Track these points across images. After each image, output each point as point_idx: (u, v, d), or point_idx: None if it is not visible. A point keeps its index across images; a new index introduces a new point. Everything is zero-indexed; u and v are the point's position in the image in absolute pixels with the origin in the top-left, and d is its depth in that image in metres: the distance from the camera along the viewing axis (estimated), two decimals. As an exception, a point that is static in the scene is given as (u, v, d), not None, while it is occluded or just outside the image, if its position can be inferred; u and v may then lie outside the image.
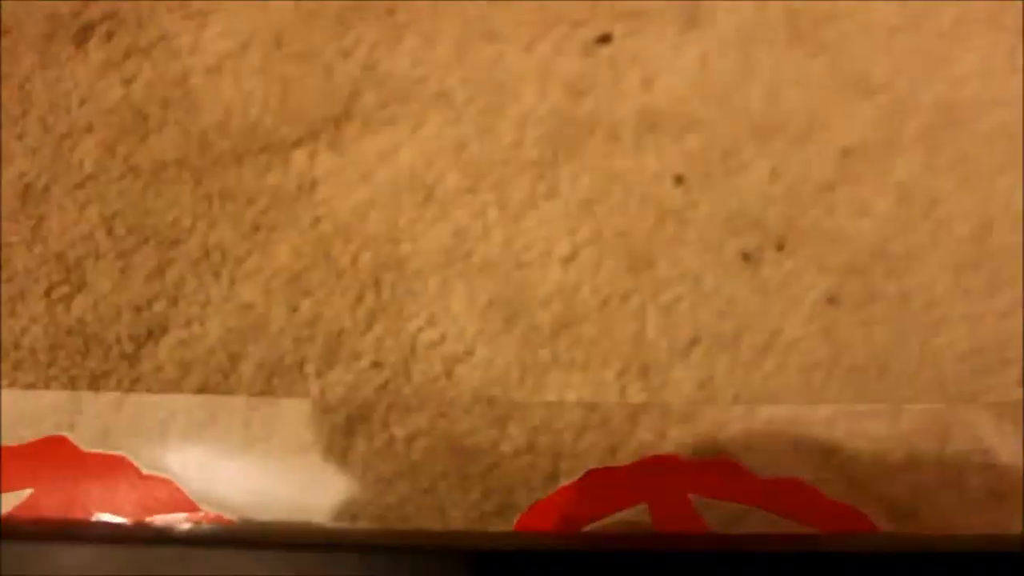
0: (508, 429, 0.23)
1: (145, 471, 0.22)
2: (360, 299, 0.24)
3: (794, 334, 0.23)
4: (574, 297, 0.24)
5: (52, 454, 0.23)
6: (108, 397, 0.23)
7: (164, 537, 0.19)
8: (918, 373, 0.23)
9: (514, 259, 0.24)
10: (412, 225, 0.24)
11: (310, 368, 0.23)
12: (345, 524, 0.22)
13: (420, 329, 0.23)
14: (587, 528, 0.21)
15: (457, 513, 0.22)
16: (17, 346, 0.24)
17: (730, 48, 0.26)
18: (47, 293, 0.24)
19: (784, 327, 0.24)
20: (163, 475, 0.22)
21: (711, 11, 0.26)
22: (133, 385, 0.23)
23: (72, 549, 0.18)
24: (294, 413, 0.23)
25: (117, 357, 0.23)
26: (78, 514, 0.22)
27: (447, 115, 0.25)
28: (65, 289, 0.24)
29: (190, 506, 0.22)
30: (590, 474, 0.22)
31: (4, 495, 0.22)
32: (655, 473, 0.22)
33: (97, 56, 0.26)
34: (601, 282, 0.24)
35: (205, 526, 0.22)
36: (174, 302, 0.24)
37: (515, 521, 0.22)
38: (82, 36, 0.26)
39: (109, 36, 0.26)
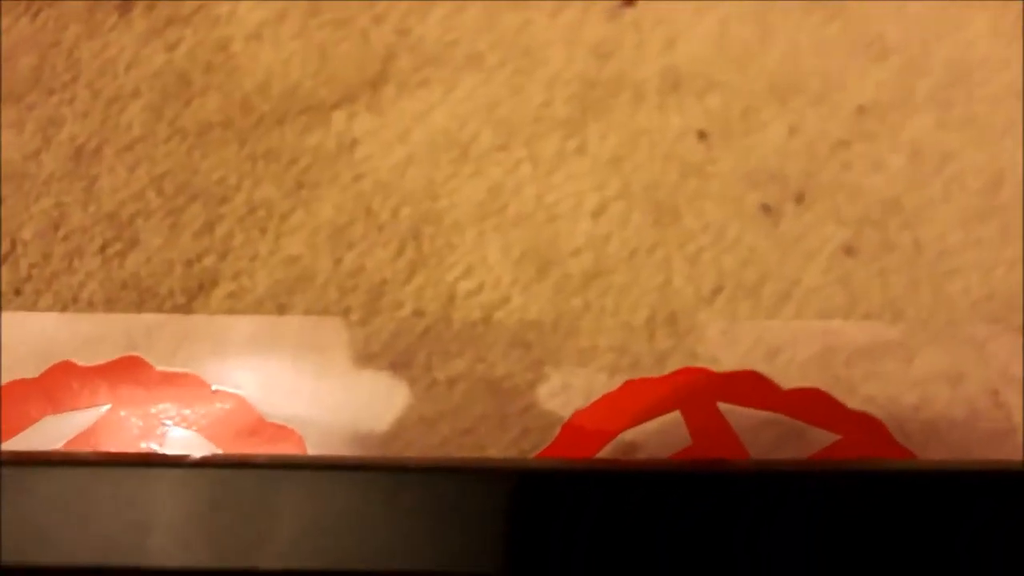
0: (543, 371, 0.24)
1: (215, 387, 0.24)
2: (401, 251, 0.25)
3: (813, 283, 0.25)
4: (603, 248, 0.25)
5: (127, 372, 0.24)
6: (172, 317, 0.24)
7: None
8: (931, 319, 0.24)
9: (546, 212, 0.25)
10: (448, 181, 0.25)
11: (354, 317, 0.24)
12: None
13: (458, 279, 0.25)
14: (625, 431, 0.23)
15: (496, 451, 0.23)
16: (76, 299, 0.25)
17: (748, 12, 0.27)
18: (102, 250, 0.25)
19: (803, 276, 0.25)
20: (231, 390, 0.24)
21: (730, -24, 0.27)
22: (185, 341, 0.24)
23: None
24: (351, 333, 0.24)
25: (170, 309, 0.25)
26: (154, 427, 0.24)
27: (478, 77, 0.26)
28: (119, 246, 0.25)
29: (258, 419, 0.24)
30: (627, 384, 0.24)
31: (86, 411, 0.24)
32: (687, 383, 0.24)
33: (140, 24, 0.27)
34: (629, 234, 0.25)
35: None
36: (223, 256, 0.25)
37: (559, 427, 0.23)
38: (125, 6, 0.27)
39: (151, 6, 0.27)
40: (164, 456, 0.22)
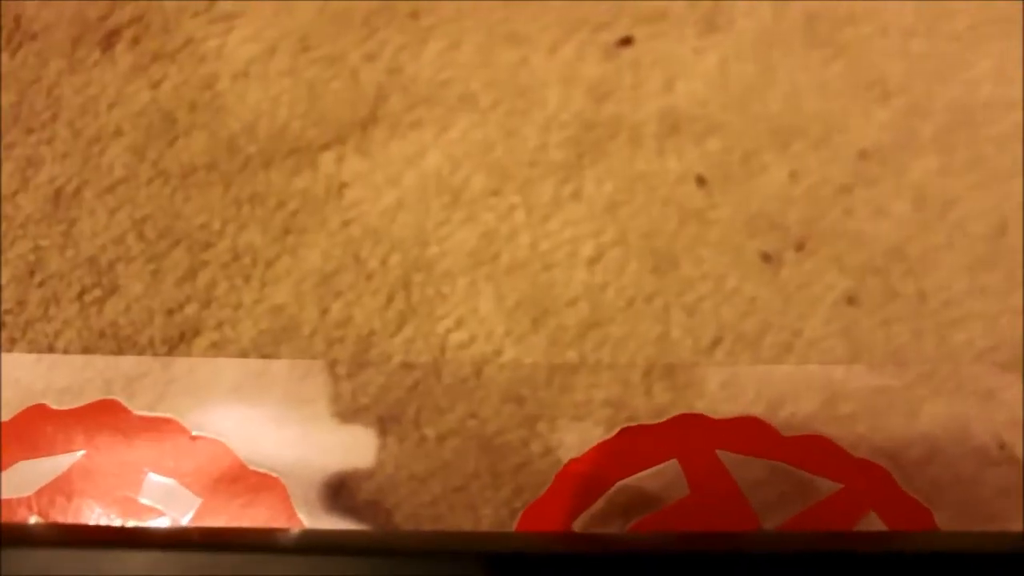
0: (537, 428, 0.23)
1: (195, 433, 0.23)
2: (390, 301, 0.24)
3: (814, 333, 0.24)
4: (600, 298, 0.24)
5: (104, 416, 0.23)
6: (155, 362, 0.24)
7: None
8: (936, 371, 0.24)
9: (541, 261, 0.24)
10: (440, 227, 0.25)
11: (341, 369, 0.24)
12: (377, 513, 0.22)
13: (449, 330, 0.24)
14: (621, 482, 0.22)
15: (489, 510, 0.22)
16: (51, 348, 0.24)
17: (749, 51, 0.26)
18: (79, 296, 0.24)
19: (804, 327, 0.24)
20: (213, 436, 0.23)
21: (730, 14, 0.26)
22: (167, 387, 0.24)
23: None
24: (338, 387, 0.23)
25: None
26: (131, 474, 0.23)
27: (472, 118, 0.25)
28: (97, 293, 0.24)
29: (240, 466, 0.23)
30: (624, 431, 0.23)
31: (60, 456, 0.23)
32: (685, 430, 0.23)
33: (124, 61, 0.26)
34: (626, 283, 0.24)
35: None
36: (206, 305, 0.24)
37: (553, 476, 0.22)
38: (108, 41, 0.26)
39: (136, 41, 0.26)
40: (134, 532, 0.21)
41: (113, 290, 0.24)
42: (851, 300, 0.24)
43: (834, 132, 0.25)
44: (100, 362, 0.24)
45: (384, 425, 0.23)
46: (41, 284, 0.25)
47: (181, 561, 0.17)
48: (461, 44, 0.26)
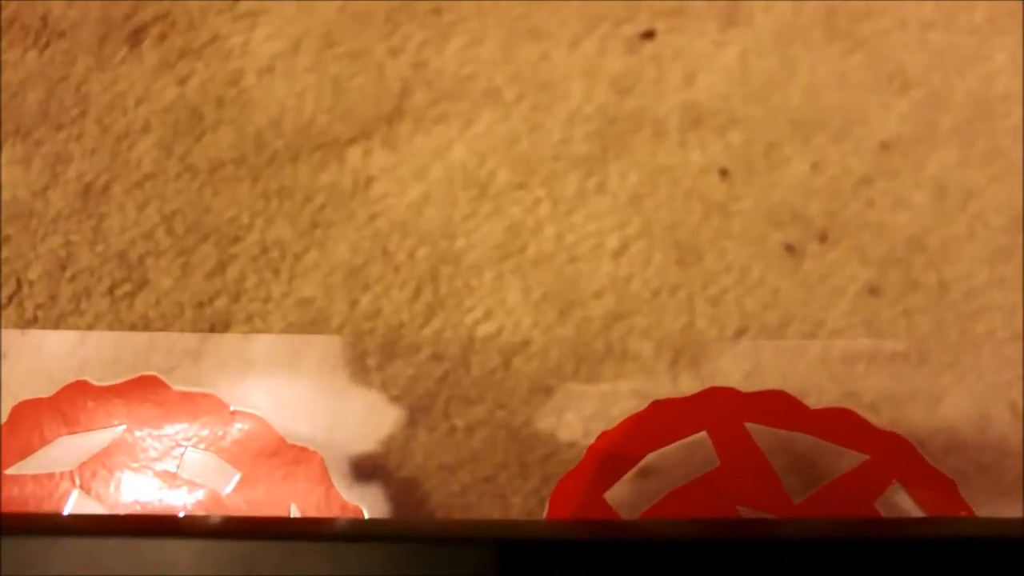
0: (565, 418, 0.23)
1: (233, 408, 0.23)
2: (418, 293, 0.24)
3: (837, 324, 0.24)
4: (625, 290, 0.24)
5: (143, 392, 0.23)
6: (194, 339, 0.24)
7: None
8: (957, 361, 0.24)
9: (566, 253, 0.25)
10: (466, 220, 0.25)
11: (371, 361, 0.24)
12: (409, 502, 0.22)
13: (477, 322, 0.24)
14: (652, 453, 0.23)
15: (518, 499, 0.23)
16: (84, 343, 0.24)
17: (769, 45, 0.26)
18: (110, 291, 0.25)
19: (827, 317, 0.24)
20: (250, 411, 0.23)
21: (749, 9, 0.26)
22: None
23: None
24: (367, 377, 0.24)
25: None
26: (171, 448, 0.23)
27: (496, 113, 0.25)
28: (128, 287, 0.25)
29: (279, 440, 0.23)
30: (654, 405, 0.23)
31: (101, 431, 0.23)
32: (714, 404, 0.23)
33: (151, 57, 0.26)
34: (651, 274, 0.24)
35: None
36: (235, 298, 0.24)
37: (585, 448, 0.23)
38: (135, 38, 0.26)
39: (162, 38, 0.26)
40: (176, 522, 0.21)
41: (143, 284, 0.25)
42: (873, 291, 0.24)
43: (854, 124, 0.26)
44: (139, 339, 0.24)
45: (414, 416, 0.23)
46: (72, 279, 0.25)
47: (201, 550, 0.17)
48: (483, 39, 0.26)
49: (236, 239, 0.25)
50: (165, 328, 0.24)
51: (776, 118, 0.26)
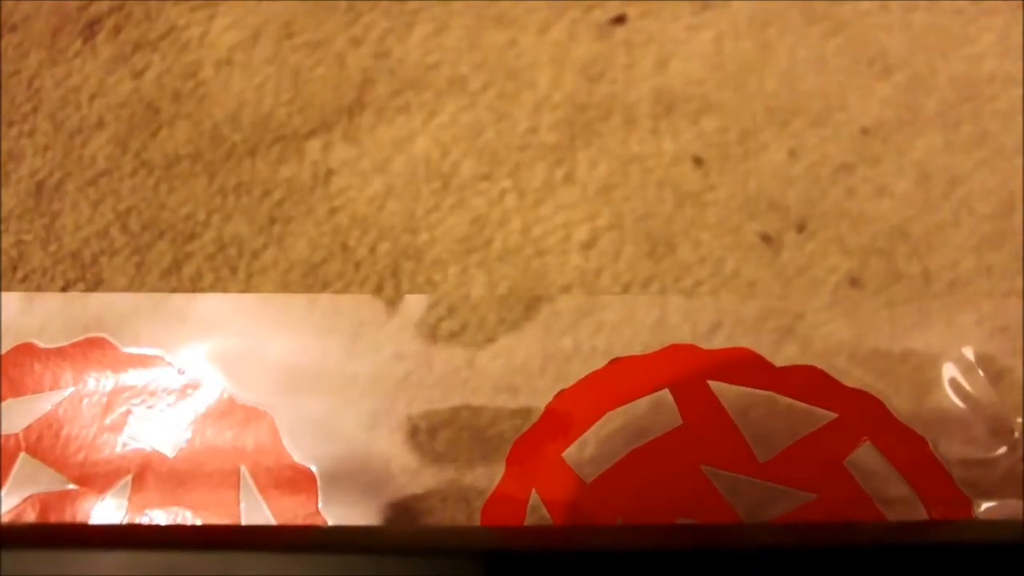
0: (531, 418, 0.22)
1: (181, 369, 0.23)
2: (379, 290, 0.24)
3: (817, 317, 0.23)
4: (595, 283, 0.24)
5: (92, 353, 0.23)
6: (143, 299, 0.23)
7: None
8: (943, 353, 0.23)
9: (533, 246, 0.24)
10: (429, 214, 0.24)
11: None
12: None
13: (441, 319, 0.23)
14: (612, 412, 0.22)
15: (481, 503, 0.22)
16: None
17: (744, 28, 0.25)
18: (63, 290, 0.24)
19: (806, 310, 0.23)
20: (200, 371, 0.23)
21: (725, -9, 0.25)
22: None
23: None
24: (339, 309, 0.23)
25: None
26: (118, 410, 0.23)
27: (461, 102, 0.25)
28: (81, 286, 0.24)
29: (228, 400, 0.23)
30: (613, 363, 0.22)
31: (47, 393, 0.23)
32: (676, 361, 0.22)
33: (105, 50, 0.26)
34: (622, 268, 0.24)
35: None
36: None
37: (541, 409, 0.22)
38: (89, 31, 0.26)
39: (117, 30, 0.26)
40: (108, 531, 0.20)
41: (97, 284, 0.24)
42: (854, 282, 0.24)
43: (834, 109, 0.25)
44: (89, 300, 0.23)
45: (375, 418, 0.23)
46: (24, 279, 0.24)
47: (170, 562, 0.16)
48: (448, 27, 0.25)
49: (193, 236, 0.24)
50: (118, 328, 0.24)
51: (752, 104, 0.25)
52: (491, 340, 0.23)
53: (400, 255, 0.24)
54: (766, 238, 0.24)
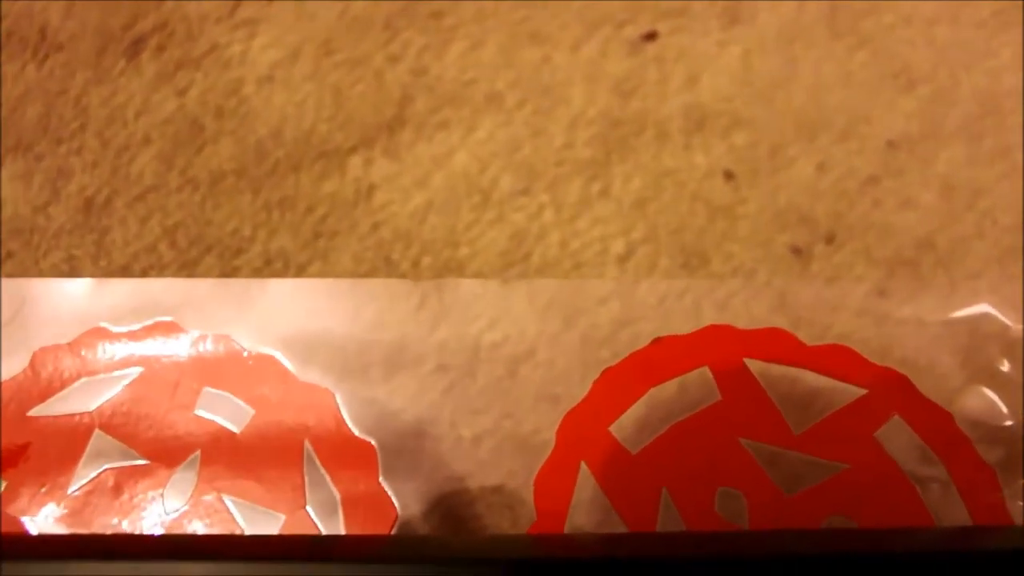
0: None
1: (247, 350, 0.24)
2: (423, 303, 0.24)
3: (845, 327, 0.24)
4: (631, 295, 0.24)
5: (160, 336, 0.24)
6: (209, 284, 0.25)
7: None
8: (968, 360, 0.24)
9: (571, 259, 0.24)
10: (470, 228, 0.25)
11: (376, 373, 0.24)
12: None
13: (482, 331, 0.24)
14: (655, 388, 0.24)
15: (525, 510, 0.22)
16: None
17: (772, 45, 0.26)
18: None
19: (835, 320, 0.24)
20: (266, 352, 0.24)
21: (752, 7, 0.26)
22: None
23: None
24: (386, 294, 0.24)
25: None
26: (186, 389, 0.24)
27: (498, 118, 0.25)
28: (131, 300, 0.25)
29: (291, 379, 0.24)
30: (656, 342, 0.24)
31: (116, 373, 0.24)
32: (715, 340, 0.24)
33: (150, 69, 0.26)
34: (657, 279, 0.24)
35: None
36: (239, 310, 0.24)
37: (587, 388, 0.23)
38: (134, 50, 0.26)
39: (161, 49, 0.26)
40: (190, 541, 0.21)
41: (147, 298, 0.25)
42: (882, 292, 0.24)
43: (860, 123, 0.25)
44: (157, 285, 0.25)
45: (420, 427, 0.23)
46: (75, 294, 0.25)
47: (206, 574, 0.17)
48: (484, 44, 0.26)
49: (239, 251, 0.25)
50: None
51: (780, 119, 0.25)
52: (532, 351, 0.24)
53: (442, 268, 0.24)
54: (796, 250, 0.24)
